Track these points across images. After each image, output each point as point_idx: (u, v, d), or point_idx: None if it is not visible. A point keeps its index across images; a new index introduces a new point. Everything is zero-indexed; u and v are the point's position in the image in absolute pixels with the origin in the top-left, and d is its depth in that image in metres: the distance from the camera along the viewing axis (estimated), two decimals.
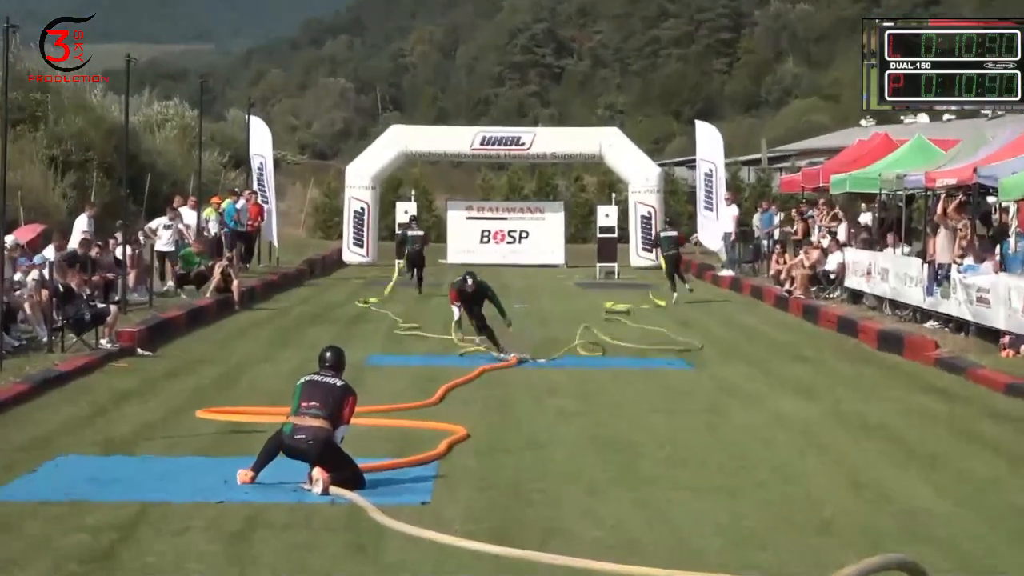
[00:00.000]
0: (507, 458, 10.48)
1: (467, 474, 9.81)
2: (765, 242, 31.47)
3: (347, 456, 9.18)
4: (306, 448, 9.00)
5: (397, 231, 33.36)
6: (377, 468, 9.63)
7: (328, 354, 9.53)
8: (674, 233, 27.79)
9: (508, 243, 37.09)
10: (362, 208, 36.37)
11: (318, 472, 8.97)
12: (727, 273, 31.10)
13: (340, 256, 36.59)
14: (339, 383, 9.29)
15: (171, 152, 44.38)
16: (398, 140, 37.02)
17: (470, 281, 16.99)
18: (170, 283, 23.91)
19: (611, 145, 36.62)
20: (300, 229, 47.75)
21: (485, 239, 37.11)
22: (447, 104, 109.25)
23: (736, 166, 48.37)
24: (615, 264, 33.31)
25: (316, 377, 9.32)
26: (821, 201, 29.23)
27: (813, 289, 24.85)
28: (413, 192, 37.52)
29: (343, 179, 38.03)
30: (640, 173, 36.36)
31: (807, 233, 28.82)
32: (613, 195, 36.75)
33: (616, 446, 11.10)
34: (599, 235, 34.32)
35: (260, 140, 33.70)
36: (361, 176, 36.47)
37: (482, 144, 36.85)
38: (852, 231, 26.38)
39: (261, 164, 33.56)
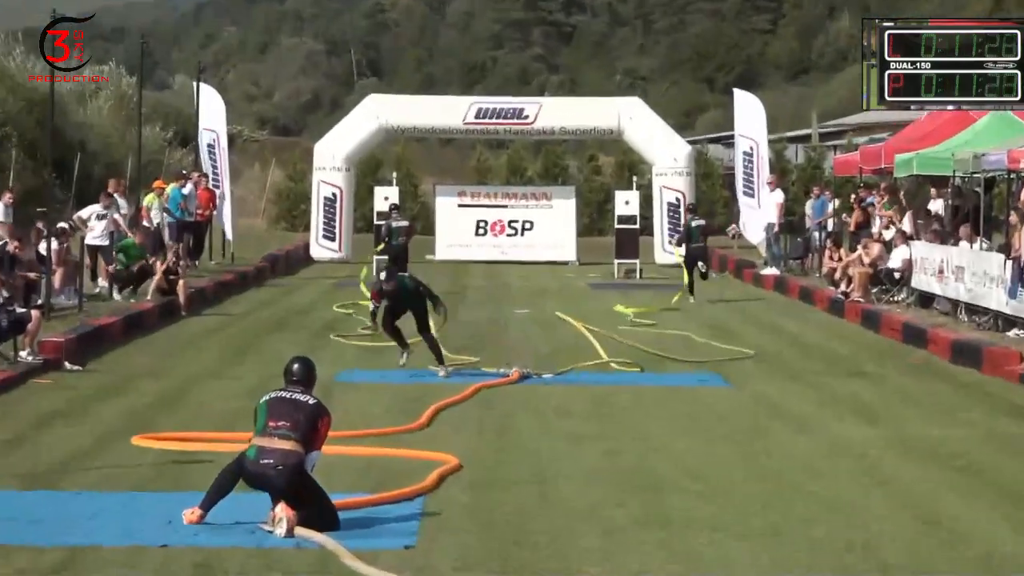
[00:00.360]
0: (507, 493, 10.48)
1: (460, 512, 9.82)
2: (816, 234, 31.48)
3: (319, 489, 9.17)
4: (274, 475, 8.99)
5: (377, 221, 33.39)
6: (353, 505, 9.63)
7: (296, 367, 9.54)
8: (703, 222, 28.00)
9: (508, 236, 37.11)
10: (334, 194, 36.40)
11: (282, 509, 8.95)
12: (771, 271, 31.13)
13: (307, 251, 36.62)
14: (311, 400, 9.30)
15: (105, 127, 44.45)
16: (377, 112, 37.06)
17: (383, 276, 17.00)
18: (103, 283, 23.91)
19: (632, 118, 36.65)
20: (259, 219, 47.80)
21: (481, 231, 37.15)
22: (435, 70, 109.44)
23: (781, 143, 48.45)
24: (637, 261, 33.34)
25: (283, 394, 9.33)
26: (883, 185, 29.21)
27: (874, 291, 24.85)
28: (395, 175, 37.56)
29: (311, 159, 38.04)
30: (666, 152, 36.39)
31: (866, 224, 28.82)
32: (634, 178, 36.75)
33: (638, 479, 11.10)
34: (617, 226, 34.32)
35: (211, 113, 33.70)
36: (332, 156, 36.51)
37: (477, 117, 36.87)
38: (920, 222, 26.38)
39: (213, 141, 33.60)
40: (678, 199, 35.40)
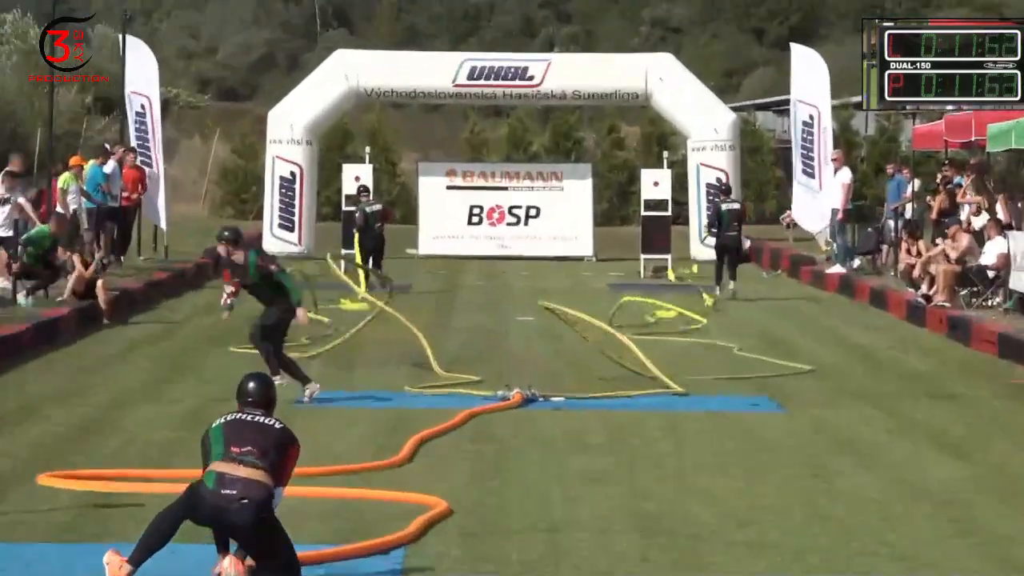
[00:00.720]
0: (507, 545, 10.49)
1: (449, 566, 9.82)
2: (891, 223, 31.49)
3: (285, 535, 9.14)
4: (237, 509, 8.92)
5: (347, 207, 33.44)
6: (318, 559, 9.63)
7: (252, 385, 9.51)
8: (737, 205, 28.26)
9: (509, 225, 37.18)
10: (292, 173, 36.47)
11: (231, 564, 8.95)
12: (835, 269, 31.16)
13: (259, 244, 36.63)
14: (277, 424, 9.30)
15: (8, 90, 44.43)
16: (345, 72, 37.11)
17: (226, 234, 16.83)
18: (5, 284, 23.92)
19: (662, 79, 36.71)
20: (200, 205, 47.89)
21: (475, 219, 37.22)
22: (418, 20, 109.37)
23: (848, 111, 48.44)
24: (668, 256, 33.37)
25: (242, 416, 9.31)
26: (972, 162, 29.20)
27: (961, 293, 24.84)
28: (368, 150, 37.60)
29: (263, 131, 38.12)
30: (705, 121, 36.44)
31: (953, 210, 28.81)
32: (665, 154, 36.82)
33: (669, 526, 11.11)
34: (644, 213, 34.37)
35: (141, 73, 33.70)
36: (291, 126, 36.57)
37: (471, 78, 36.91)
38: (1020, 206, 26.38)
39: (143, 108, 33.63)
40: (720, 180, 35.34)
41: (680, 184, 37.69)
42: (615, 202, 46.50)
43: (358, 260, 28.32)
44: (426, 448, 13.97)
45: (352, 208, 30.99)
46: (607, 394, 17.17)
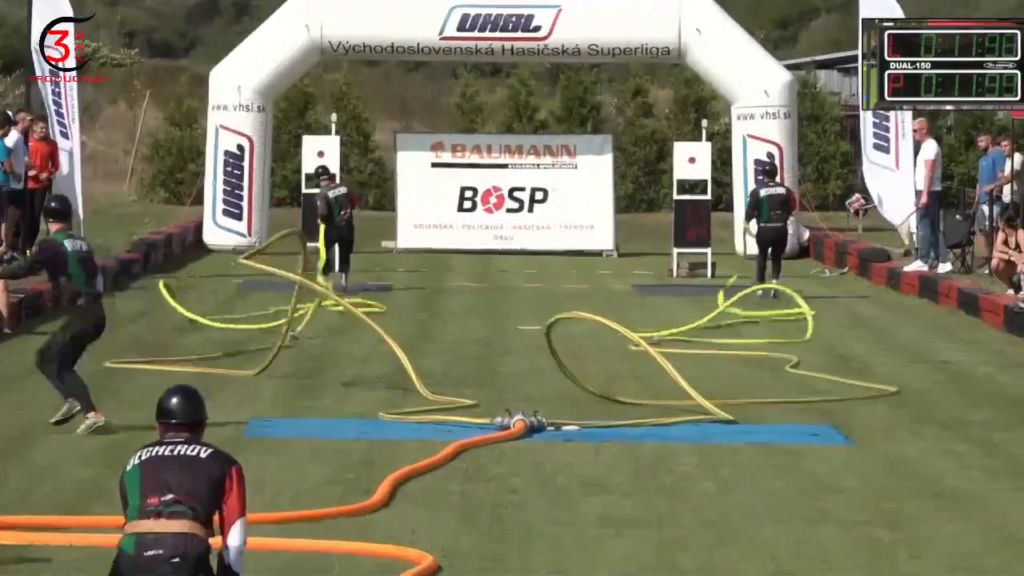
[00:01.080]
0: None
1: None
2: (985, 209, 31.45)
3: None
4: (168, 573, 8.94)
5: (307, 188, 33.42)
6: None
7: (174, 402, 9.43)
8: (782, 190, 28.32)
9: (510, 212, 37.13)
10: (240, 147, 36.42)
11: None
12: (916, 267, 31.10)
13: (199, 235, 36.64)
14: (204, 452, 9.24)
15: None
16: (306, 20, 37.07)
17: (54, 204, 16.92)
18: None
19: (699, 30, 36.67)
20: (126, 185, 47.81)
21: (468, 203, 37.14)
22: None
23: None
24: (708, 250, 33.31)
25: (161, 450, 9.25)
26: None
27: None
28: (334, 118, 37.58)
29: (205, 94, 38.05)
30: (753, 82, 36.39)
31: None
32: (703, 123, 36.80)
33: None
34: (677, 197, 34.33)
35: (51, 22, 33.68)
36: (238, 89, 36.50)
37: (461, 29, 36.88)
38: None
39: (54, 66, 33.57)
40: (771, 155, 35.33)
41: (722, 161, 37.67)
42: (641, 183, 46.42)
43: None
44: (406, 489, 13.95)
45: (316, 192, 30.97)
46: (632, 422, 17.14)
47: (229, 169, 36.45)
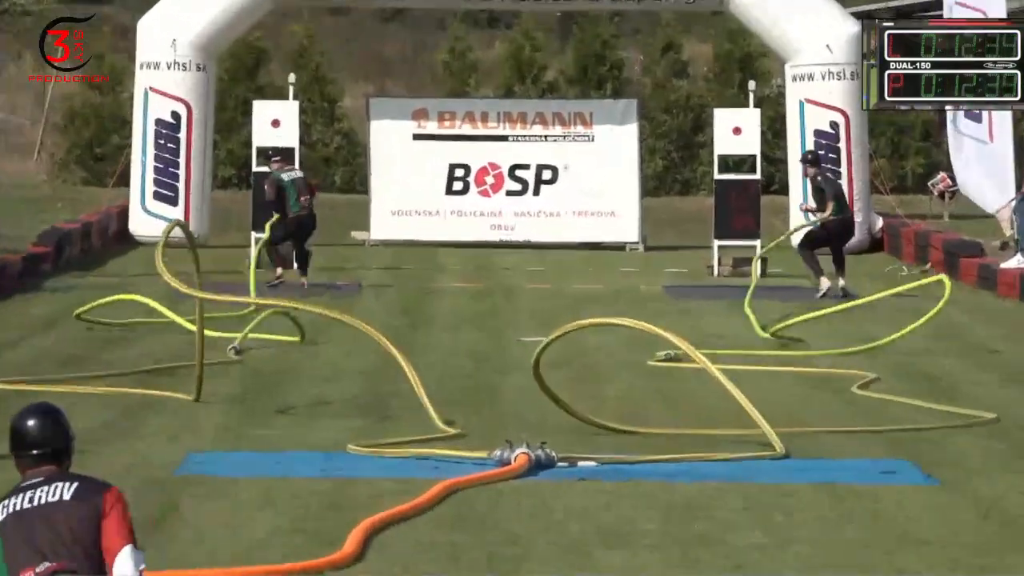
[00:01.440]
0: None
1: None
2: None
3: None
4: None
5: (258, 167, 33.52)
6: None
7: (30, 425, 9.41)
8: (836, 181, 28.96)
9: (511, 195, 37.24)
10: (175, 115, 36.53)
11: None
12: (1014, 263, 31.18)
13: (124, 223, 36.69)
14: (68, 491, 9.22)
15: None
16: None
17: None
18: None
19: None
20: (33, 161, 47.90)
21: (458, 185, 37.27)
22: None
23: None
24: (757, 243, 33.36)
25: (19, 502, 9.20)
26: None
27: None
28: (292, 79, 37.64)
29: (132, 49, 38.16)
30: (813, 34, 36.50)
31: None
32: (751, 86, 36.85)
33: None
34: (718, 176, 34.43)
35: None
36: (173, 43, 36.61)
37: None
38: None
39: None
40: (835, 124, 35.41)
41: (774, 131, 37.76)
42: (674, 159, 46.57)
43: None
44: (382, 539, 13.99)
45: (265, 170, 31.06)
46: (663, 457, 17.17)
47: (162, 142, 36.55)
